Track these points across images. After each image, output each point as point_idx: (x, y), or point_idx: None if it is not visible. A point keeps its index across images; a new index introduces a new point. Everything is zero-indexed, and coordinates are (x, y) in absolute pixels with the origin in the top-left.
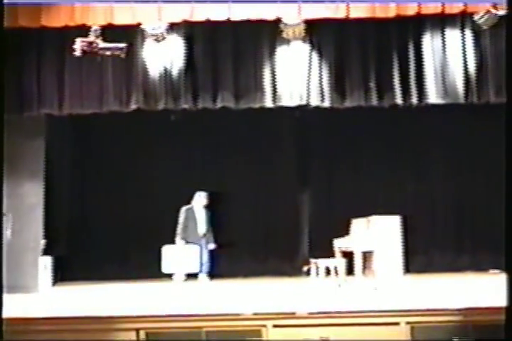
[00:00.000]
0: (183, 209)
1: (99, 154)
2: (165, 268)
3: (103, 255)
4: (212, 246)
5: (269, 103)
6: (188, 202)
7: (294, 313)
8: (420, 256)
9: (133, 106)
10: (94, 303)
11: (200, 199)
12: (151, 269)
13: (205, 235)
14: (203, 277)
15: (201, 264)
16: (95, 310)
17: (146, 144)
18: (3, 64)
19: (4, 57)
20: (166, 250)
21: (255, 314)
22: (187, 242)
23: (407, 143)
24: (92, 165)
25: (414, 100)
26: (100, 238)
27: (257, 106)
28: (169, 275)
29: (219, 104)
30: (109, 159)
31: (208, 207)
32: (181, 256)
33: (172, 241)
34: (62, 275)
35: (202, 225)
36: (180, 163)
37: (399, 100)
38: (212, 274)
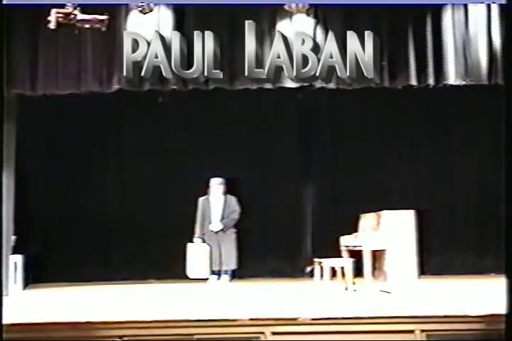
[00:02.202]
0: (200, 200)
1: (77, 140)
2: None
3: (81, 254)
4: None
5: (268, 84)
6: (173, 195)
7: (295, 319)
8: (438, 256)
9: (115, 87)
10: (72, 308)
11: (215, 186)
12: (134, 270)
13: (223, 229)
14: (224, 279)
15: (220, 263)
16: (72, 316)
17: (129, 129)
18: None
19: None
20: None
21: (252, 319)
22: (203, 240)
23: (422, 128)
24: (70, 153)
25: (431, 81)
26: (78, 235)
27: (254, 87)
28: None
29: (211, 85)
30: (88, 146)
31: (230, 193)
32: (191, 257)
33: (158, 240)
34: (35, 276)
35: (218, 217)
36: (168, 150)
37: (414, 81)
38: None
